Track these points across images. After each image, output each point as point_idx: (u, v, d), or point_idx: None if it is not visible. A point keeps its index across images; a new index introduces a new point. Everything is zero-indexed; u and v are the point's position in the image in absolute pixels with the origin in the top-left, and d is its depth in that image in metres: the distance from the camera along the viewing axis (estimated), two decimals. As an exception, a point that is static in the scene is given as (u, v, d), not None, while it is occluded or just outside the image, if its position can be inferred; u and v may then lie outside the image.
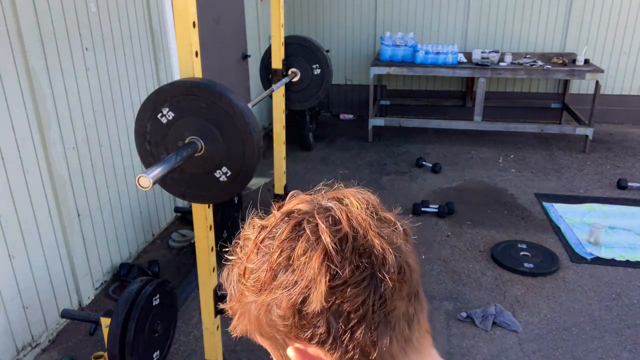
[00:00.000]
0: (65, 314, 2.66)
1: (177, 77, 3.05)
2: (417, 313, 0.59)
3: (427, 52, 5.50)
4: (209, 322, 2.08)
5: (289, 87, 3.18)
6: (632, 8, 5.86)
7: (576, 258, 3.55)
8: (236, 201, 3.62)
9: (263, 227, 0.60)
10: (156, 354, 2.33)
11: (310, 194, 0.63)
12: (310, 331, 0.55)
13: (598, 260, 3.51)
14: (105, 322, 2.24)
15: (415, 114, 6.35)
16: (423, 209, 4.17)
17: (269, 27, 2.98)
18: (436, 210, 4.15)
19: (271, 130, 3.37)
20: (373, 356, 0.56)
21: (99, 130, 3.10)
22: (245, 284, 0.59)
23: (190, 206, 1.93)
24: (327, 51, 3.30)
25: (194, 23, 1.63)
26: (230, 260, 0.63)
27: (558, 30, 6.08)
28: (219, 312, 2.06)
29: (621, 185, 4.60)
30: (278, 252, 0.56)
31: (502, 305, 3.03)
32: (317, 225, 0.56)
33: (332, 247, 0.54)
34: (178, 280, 3.29)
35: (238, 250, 0.62)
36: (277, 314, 0.56)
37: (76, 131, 2.89)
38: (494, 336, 2.83)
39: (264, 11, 5.50)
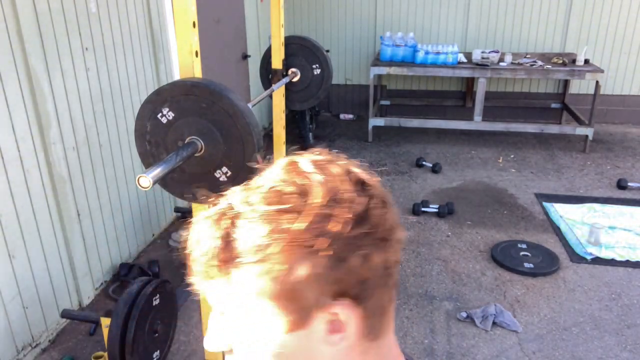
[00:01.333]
0: (65, 314, 2.67)
1: (177, 77, 3.04)
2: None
3: (427, 52, 5.50)
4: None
5: (289, 87, 3.18)
6: (632, 8, 5.86)
7: (576, 258, 3.55)
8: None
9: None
10: (156, 354, 2.33)
11: None
12: (349, 281, 0.50)
13: (598, 260, 3.51)
14: (105, 322, 2.24)
15: (415, 114, 6.35)
16: (423, 209, 4.17)
17: (269, 27, 2.97)
18: (436, 210, 4.15)
19: (271, 130, 3.37)
20: (387, 317, 0.55)
21: (99, 130, 3.10)
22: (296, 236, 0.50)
23: (190, 206, 1.93)
24: (327, 51, 3.30)
25: (194, 23, 1.63)
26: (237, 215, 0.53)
27: (558, 30, 6.07)
28: None
29: (621, 185, 4.60)
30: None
31: (502, 305, 3.03)
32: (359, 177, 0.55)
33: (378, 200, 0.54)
34: (178, 280, 3.29)
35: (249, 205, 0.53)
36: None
37: (76, 131, 2.89)
38: (494, 336, 2.83)
39: (264, 11, 5.50)
